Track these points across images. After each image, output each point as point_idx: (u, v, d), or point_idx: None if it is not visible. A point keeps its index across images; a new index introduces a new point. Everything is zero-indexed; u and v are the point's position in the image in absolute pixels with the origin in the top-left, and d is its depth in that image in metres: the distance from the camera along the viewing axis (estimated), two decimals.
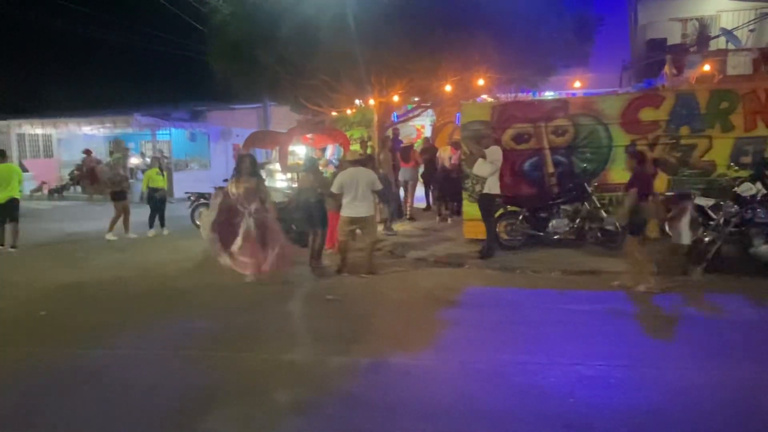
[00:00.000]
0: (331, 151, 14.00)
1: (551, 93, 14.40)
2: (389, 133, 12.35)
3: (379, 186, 7.43)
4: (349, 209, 7.22)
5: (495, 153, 7.81)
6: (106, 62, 28.33)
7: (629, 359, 4.41)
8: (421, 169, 12.08)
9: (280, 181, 11.75)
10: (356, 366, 4.45)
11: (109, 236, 10.48)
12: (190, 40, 20.15)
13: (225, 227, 6.90)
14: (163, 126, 18.63)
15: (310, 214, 7.80)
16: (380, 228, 9.48)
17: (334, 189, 7.30)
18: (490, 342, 4.93)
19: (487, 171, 7.79)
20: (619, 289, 6.38)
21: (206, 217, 7.20)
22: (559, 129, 8.71)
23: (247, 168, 7.01)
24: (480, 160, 7.92)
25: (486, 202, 7.87)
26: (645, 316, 5.51)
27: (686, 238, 6.50)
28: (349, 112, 13.49)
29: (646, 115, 8.39)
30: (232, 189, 6.91)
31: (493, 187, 7.76)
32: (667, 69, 11.23)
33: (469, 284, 6.92)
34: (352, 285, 6.95)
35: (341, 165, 8.88)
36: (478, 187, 8.00)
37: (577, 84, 11.23)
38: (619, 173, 8.49)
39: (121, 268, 8.12)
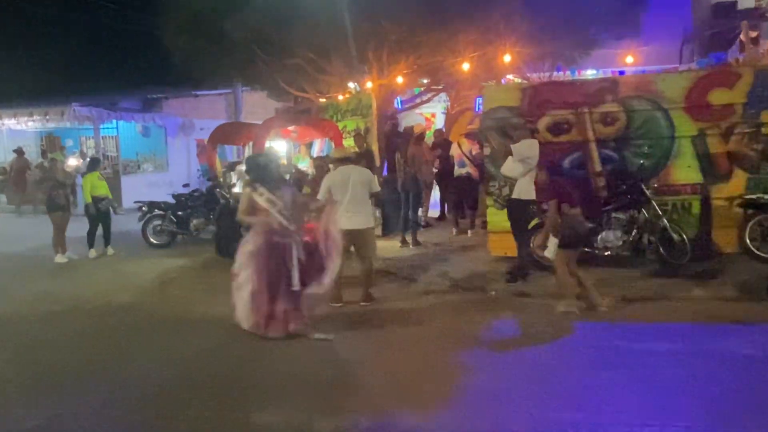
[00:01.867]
0: (319, 146, 13.84)
1: (594, 71, 14.30)
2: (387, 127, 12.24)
3: (377, 188, 7.29)
4: (340, 221, 6.99)
5: (528, 149, 7.61)
6: (37, 40, 28.17)
7: (719, 417, 4.17)
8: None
9: None
10: (353, 429, 4.25)
11: (59, 259, 10.27)
12: (142, 12, 20.12)
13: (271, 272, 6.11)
14: (108, 118, 18.49)
15: None
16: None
17: (320, 195, 7.12)
18: (528, 394, 4.72)
19: (518, 171, 7.60)
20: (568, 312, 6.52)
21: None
22: (608, 116, 8.51)
23: (275, 174, 6.47)
24: (509, 157, 7.73)
25: (517, 211, 7.68)
26: (727, 355, 5.27)
27: (550, 252, 6.80)
28: (340, 98, 13.38)
29: (718, 97, 8.20)
30: (270, 199, 6.12)
31: (525, 191, 7.54)
32: (743, 38, 11.05)
33: (496, 316, 6.76)
34: (345, 318, 6.76)
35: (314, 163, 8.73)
36: (506, 191, 7.80)
37: (629, 59, 11.08)
38: (684, 171, 8.35)
39: (54, 301, 7.92)
